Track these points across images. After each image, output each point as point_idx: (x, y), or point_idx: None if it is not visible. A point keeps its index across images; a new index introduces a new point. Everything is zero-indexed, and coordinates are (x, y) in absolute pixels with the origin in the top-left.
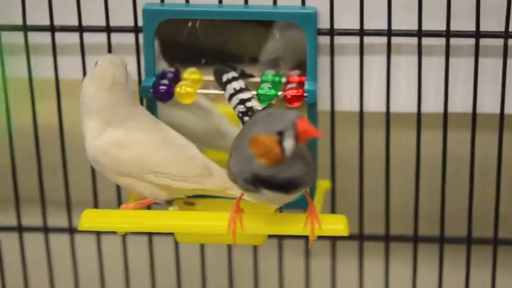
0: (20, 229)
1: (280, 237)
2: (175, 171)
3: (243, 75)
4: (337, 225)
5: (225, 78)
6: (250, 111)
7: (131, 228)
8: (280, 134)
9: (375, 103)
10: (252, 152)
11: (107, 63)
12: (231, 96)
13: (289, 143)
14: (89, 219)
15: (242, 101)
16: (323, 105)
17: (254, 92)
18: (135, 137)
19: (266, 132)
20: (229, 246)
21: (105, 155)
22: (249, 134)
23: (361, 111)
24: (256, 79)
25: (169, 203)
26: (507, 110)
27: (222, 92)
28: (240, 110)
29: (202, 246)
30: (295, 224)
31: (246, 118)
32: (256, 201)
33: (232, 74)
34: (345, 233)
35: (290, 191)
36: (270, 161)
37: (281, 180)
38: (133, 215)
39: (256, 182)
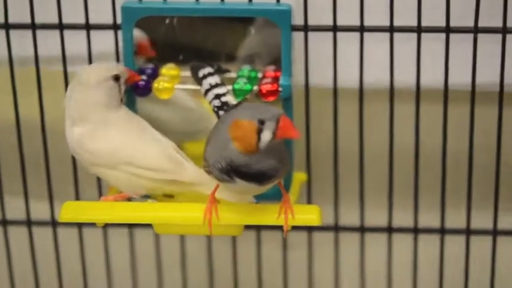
0: (4, 222)
1: (258, 229)
2: (148, 163)
3: (219, 71)
4: (310, 215)
5: (201, 73)
6: (225, 105)
7: (110, 220)
8: (261, 123)
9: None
10: (230, 135)
11: (93, 66)
12: (207, 91)
13: (266, 135)
14: (69, 211)
15: (217, 96)
16: (298, 99)
17: (229, 87)
18: (109, 129)
19: (248, 117)
20: (209, 238)
21: (80, 144)
22: (230, 120)
23: (336, 105)
24: (233, 74)
25: (146, 197)
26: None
27: (199, 87)
28: (216, 104)
29: (182, 237)
30: (270, 215)
31: (221, 112)
32: (231, 192)
33: (208, 69)
34: (318, 223)
35: (263, 182)
36: (244, 147)
37: (254, 171)
38: (112, 207)
39: (230, 172)
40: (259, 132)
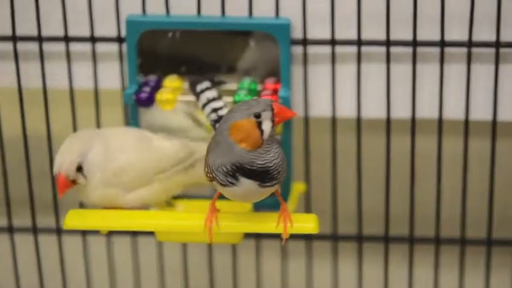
0: (11, 230)
1: (258, 238)
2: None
3: (215, 83)
4: (307, 223)
5: (198, 88)
6: (221, 119)
7: (114, 227)
8: (258, 117)
9: (346, 109)
10: (232, 139)
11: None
12: (204, 105)
13: (267, 125)
14: (74, 218)
15: (214, 110)
16: (297, 111)
17: (227, 100)
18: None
19: (244, 117)
20: (210, 247)
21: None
22: (227, 126)
23: (334, 117)
24: (233, 86)
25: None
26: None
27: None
28: (213, 118)
29: (183, 246)
30: (269, 223)
31: (217, 125)
32: (232, 198)
33: (206, 84)
34: (315, 231)
35: (266, 181)
36: (250, 145)
37: (258, 167)
38: (116, 214)
39: (235, 172)
40: (259, 125)
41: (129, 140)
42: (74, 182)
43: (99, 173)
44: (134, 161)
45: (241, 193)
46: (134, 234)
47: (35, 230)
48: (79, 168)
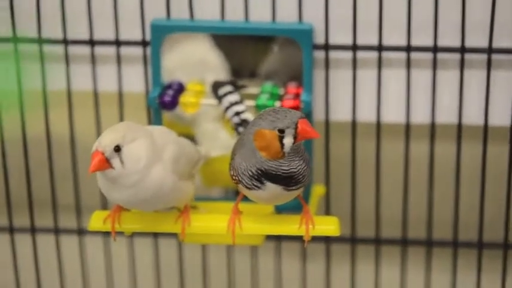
0: (33, 230)
1: (278, 240)
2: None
3: (236, 86)
4: (329, 226)
5: (221, 92)
6: (244, 122)
7: (138, 229)
8: (281, 131)
9: (366, 113)
10: (255, 145)
11: None
12: (227, 108)
13: (288, 141)
14: (98, 220)
15: (237, 113)
16: (318, 115)
17: (249, 104)
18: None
19: (269, 127)
20: (230, 248)
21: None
22: (253, 129)
23: (354, 121)
24: (255, 90)
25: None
26: (491, 122)
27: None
28: (235, 121)
29: (204, 247)
30: (291, 225)
31: (240, 129)
32: (257, 201)
33: (228, 88)
34: (337, 233)
35: (291, 185)
36: (270, 155)
37: (283, 173)
38: (140, 216)
39: (261, 176)
40: (281, 139)
41: (170, 135)
42: (108, 163)
43: (144, 161)
44: (182, 151)
45: (266, 196)
46: (155, 235)
47: (56, 231)
48: (117, 149)
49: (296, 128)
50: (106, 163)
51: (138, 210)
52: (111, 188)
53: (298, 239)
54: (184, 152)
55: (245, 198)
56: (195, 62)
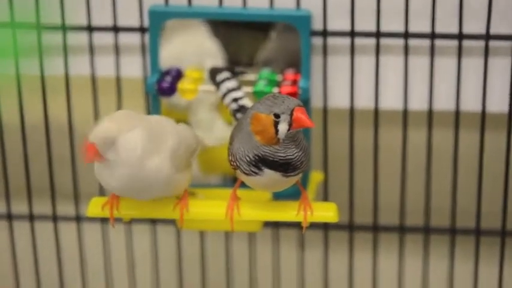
0: (31, 217)
1: (276, 227)
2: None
3: (234, 72)
4: (327, 212)
5: (218, 78)
6: (242, 109)
7: (136, 215)
8: (277, 117)
9: (364, 100)
10: (251, 129)
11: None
12: (224, 95)
13: (283, 127)
14: (96, 206)
15: (235, 100)
16: (316, 102)
17: (246, 90)
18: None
19: (265, 111)
20: (228, 235)
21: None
22: (250, 113)
23: (352, 108)
24: (252, 77)
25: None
26: (488, 108)
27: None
28: (233, 108)
29: (202, 234)
30: (289, 211)
31: (238, 115)
32: (256, 187)
33: (225, 74)
34: (335, 220)
35: (288, 171)
36: (264, 140)
37: (280, 159)
38: (138, 203)
39: (259, 162)
40: (276, 125)
41: (168, 123)
42: (101, 154)
43: (139, 152)
44: (182, 141)
45: (264, 182)
46: (153, 222)
47: (54, 218)
48: (111, 141)
49: (291, 115)
50: (99, 155)
51: (138, 198)
52: (107, 176)
53: (296, 226)
54: (184, 142)
55: (243, 185)
56: (193, 49)
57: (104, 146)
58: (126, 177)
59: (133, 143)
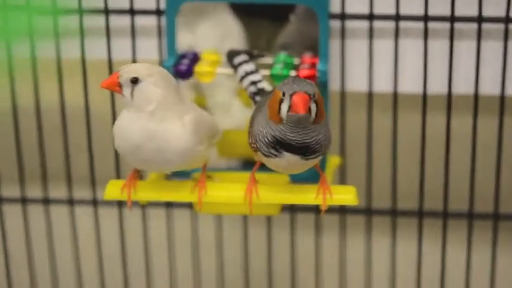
0: (47, 201)
1: (293, 212)
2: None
3: (252, 55)
4: (347, 195)
5: (236, 61)
6: (260, 91)
7: (154, 198)
8: (283, 95)
9: (383, 84)
10: (268, 102)
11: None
12: (242, 78)
13: (284, 107)
14: (114, 189)
15: (253, 83)
16: (334, 85)
17: (264, 73)
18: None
19: (279, 89)
20: (245, 220)
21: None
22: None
23: (370, 92)
24: (269, 60)
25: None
26: (508, 92)
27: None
28: (252, 90)
29: (219, 218)
30: (308, 194)
31: (257, 98)
32: (276, 169)
33: (243, 57)
34: (354, 203)
35: (307, 155)
36: (270, 114)
37: (296, 143)
38: (156, 185)
39: (277, 145)
40: (280, 102)
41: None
42: (120, 87)
43: (153, 106)
44: (202, 118)
45: (284, 164)
46: (169, 206)
47: (71, 202)
48: (134, 80)
49: (291, 98)
50: (117, 86)
51: (152, 168)
52: (127, 129)
53: (313, 210)
54: (205, 120)
55: (261, 168)
56: (211, 31)
57: (126, 79)
58: (139, 131)
59: (150, 95)
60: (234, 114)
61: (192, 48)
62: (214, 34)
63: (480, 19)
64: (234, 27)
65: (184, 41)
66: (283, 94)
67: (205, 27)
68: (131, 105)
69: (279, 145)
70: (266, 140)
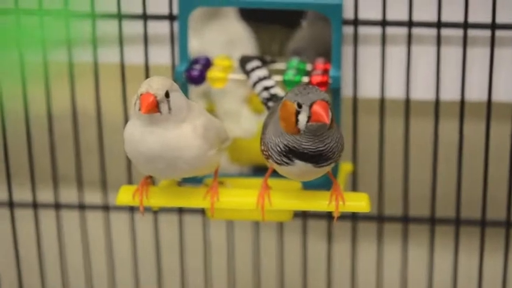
0: (58, 206)
1: (304, 218)
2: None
3: (264, 61)
4: (359, 202)
5: (249, 66)
6: (274, 97)
7: (166, 203)
8: (299, 107)
9: (395, 90)
10: (279, 114)
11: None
12: (255, 83)
13: (302, 118)
14: (126, 194)
15: (266, 88)
16: (347, 92)
17: (277, 79)
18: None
19: (291, 99)
20: (256, 226)
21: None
22: (282, 101)
23: (383, 98)
24: (281, 66)
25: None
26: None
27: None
28: (265, 96)
29: (230, 225)
30: (321, 201)
31: (270, 104)
32: (288, 177)
33: (256, 62)
34: (367, 210)
35: (320, 163)
36: (286, 128)
37: (309, 152)
38: (168, 191)
39: (289, 153)
40: (297, 114)
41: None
42: (157, 106)
43: (184, 112)
44: (212, 123)
45: (297, 172)
46: (180, 212)
47: (81, 207)
48: (167, 94)
49: (311, 107)
50: (156, 106)
51: (163, 174)
52: (141, 141)
53: (324, 217)
54: (214, 125)
55: (273, 174)
56: (223, 37)
57: (162, 97)
58: (154, 143)
59: (181, 102)
60: (242, 123)
61: (200, 53)
62: (222, 40)
63: (494, 26)
64: (243, 33)
65: (193, 46)
66: (299, 105)
67: (213, 33)
68: (167, 120)
69: (292, 154)
70: (278, 148)
